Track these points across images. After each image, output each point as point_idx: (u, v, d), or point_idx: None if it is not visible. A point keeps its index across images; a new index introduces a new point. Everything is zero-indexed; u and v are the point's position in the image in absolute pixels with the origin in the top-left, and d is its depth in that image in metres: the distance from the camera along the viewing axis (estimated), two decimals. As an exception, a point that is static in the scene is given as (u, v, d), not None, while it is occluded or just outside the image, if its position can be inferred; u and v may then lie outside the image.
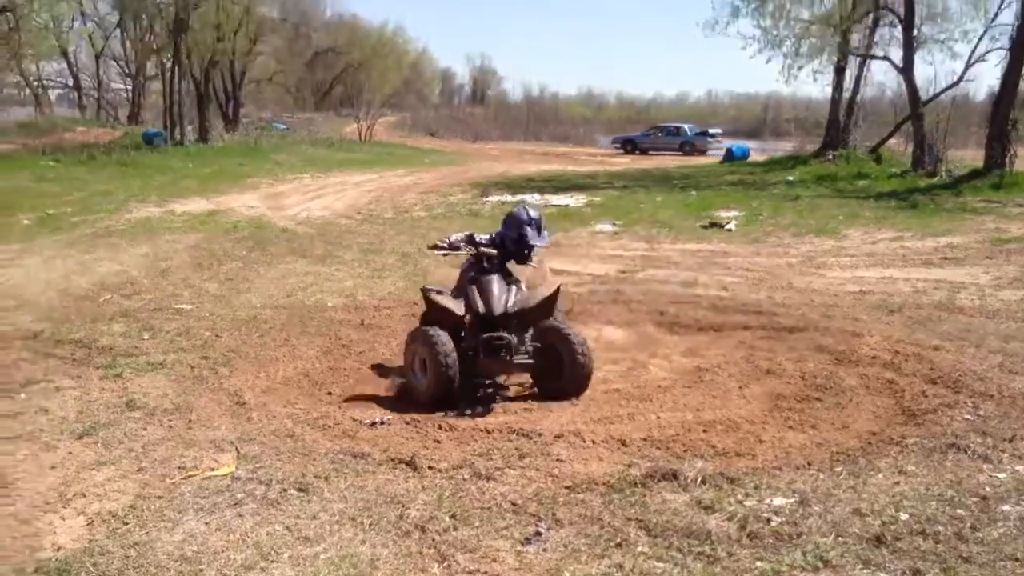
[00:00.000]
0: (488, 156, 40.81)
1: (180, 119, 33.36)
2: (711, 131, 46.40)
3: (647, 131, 48.17)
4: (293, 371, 6.85)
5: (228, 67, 40.85)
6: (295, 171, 27.01)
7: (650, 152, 44.60)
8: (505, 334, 6.21)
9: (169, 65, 34.73)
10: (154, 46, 38.33)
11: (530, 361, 6.31)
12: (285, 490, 4.50)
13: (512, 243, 6.73)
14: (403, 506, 4.30)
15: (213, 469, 4.78)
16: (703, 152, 43.42)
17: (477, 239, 6.80)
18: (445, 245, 6.85)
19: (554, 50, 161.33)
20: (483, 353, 6.21)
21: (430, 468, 4.80)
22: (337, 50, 64.38)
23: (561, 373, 6.23)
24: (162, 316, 8.53)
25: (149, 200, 17.88)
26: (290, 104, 55.23)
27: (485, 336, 6.21)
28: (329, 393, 6.44)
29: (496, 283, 6.49)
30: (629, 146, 46.20)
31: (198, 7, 32.51)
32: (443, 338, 6.04)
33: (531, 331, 6.43)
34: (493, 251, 6.69)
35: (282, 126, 45.11)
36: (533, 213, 6.82)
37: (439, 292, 6.70)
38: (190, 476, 4.70)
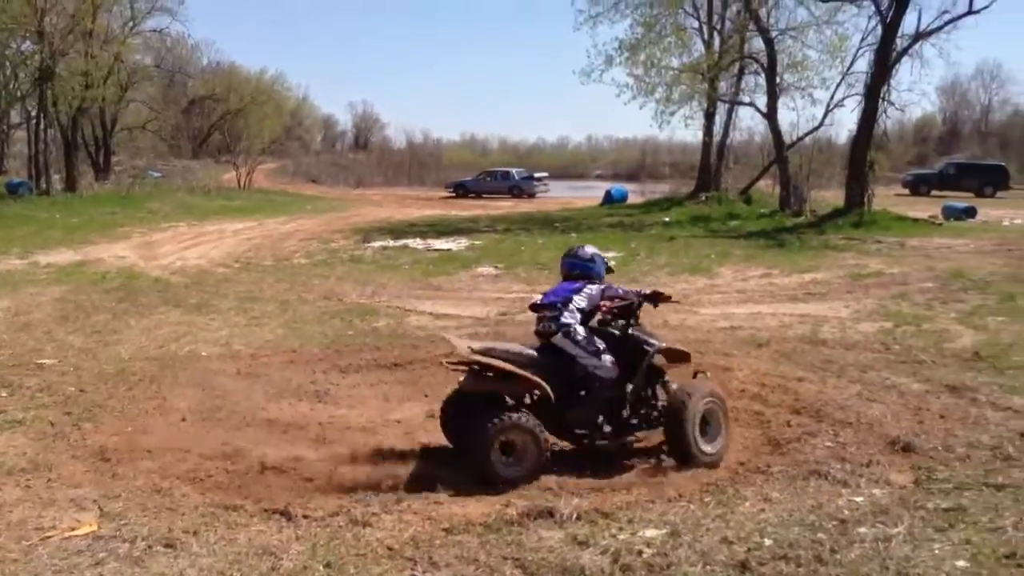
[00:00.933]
0: (371, 202, 40.68)
1: (46, 168, 32.14)
2: (537, 175, 48.59)
3: (478, 176, 49.88)
4: (163, 424, 6.63)
5: (98, 115, 39.64)
6: (170, 219, 26.31)
7: (482, 195, 46.11)
8: None
9: (34, 113, 33.49)
10: (18, 93, 36.89)
11: None
12: (150, 547, 4.34)
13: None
14: (275, 557, 4.21)
15: (73, 529, 4.58)
16: (532, 195, 45.67)
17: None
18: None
19: (437, 96, 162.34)
20: None
21: (305, 517, 4.72)
22: (215, 97, 63.34)
23: None
24: (22, 372, 8.13)
25: (11, 252, 17.08)
26: (165, 152, 53.70)
27: None
28: (201, 445, 6.25)
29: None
30: (461, 190, 47.66)
31: (65, 55, 31.53)
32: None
33: None
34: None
35: (157, 174, 43.96)
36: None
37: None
38: (48, 537, 4.48)
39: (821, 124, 28.89)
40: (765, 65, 27.79)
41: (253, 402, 7.28)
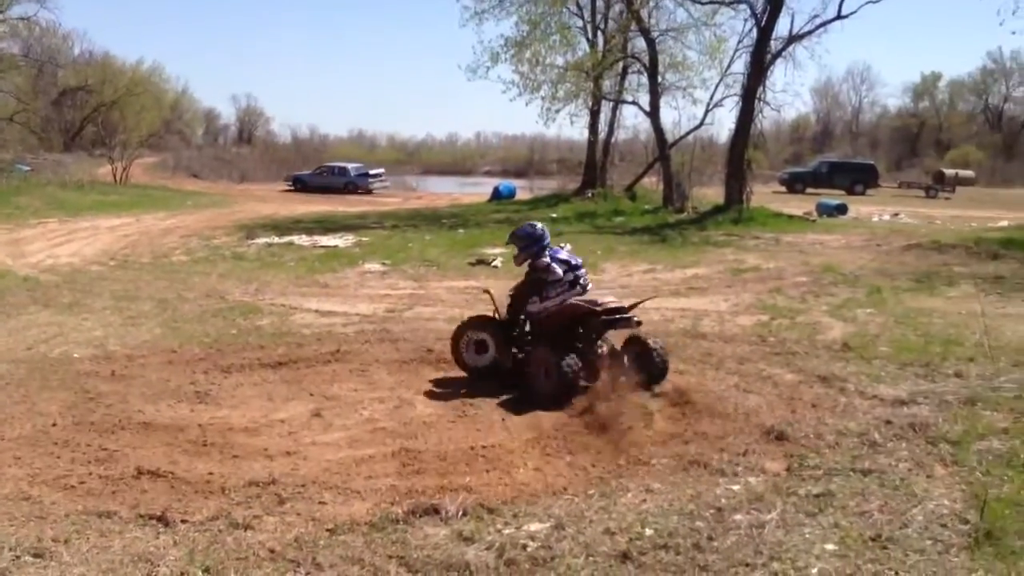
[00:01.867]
0: (255, 197, 39.74)
1: (-97, 160, 30.26)
2: (372, 171, 48.41)
3: (315, 170, 49.12)
4: (31, 428, 6.30)
5: (-39, 105, 37.58)
6: (40, 215, 25.12)
7: (318, 190, 45.15)
8: None
9: None
10: None
11: None
12: (18, 557, 4.15)
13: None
14: (152, 564, 4.09)
15: (-67, 543, 4.34)
16: (368, 191, 45.38)
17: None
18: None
19: (324, 92, 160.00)
20: None
21: (183, 522, 4.60)
22: (87, 89, 60.76)
23: None
24: None
25: None
26: (35, 145, 51.21)
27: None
28: (77, 450, 6.00)
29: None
30: (299, 184, 47.05)
31: (-77, 40, 29.76)
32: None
33: None
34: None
35: (25, 167, 41.79)
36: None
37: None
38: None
39: (702, 123, 29.80)
40: (647, 65, 28.44)
41: (129, 404, 7.01)
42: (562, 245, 7.99)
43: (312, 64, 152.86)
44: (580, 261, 7.89)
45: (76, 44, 65.59)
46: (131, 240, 19.85)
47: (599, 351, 7.41)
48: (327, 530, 4.51)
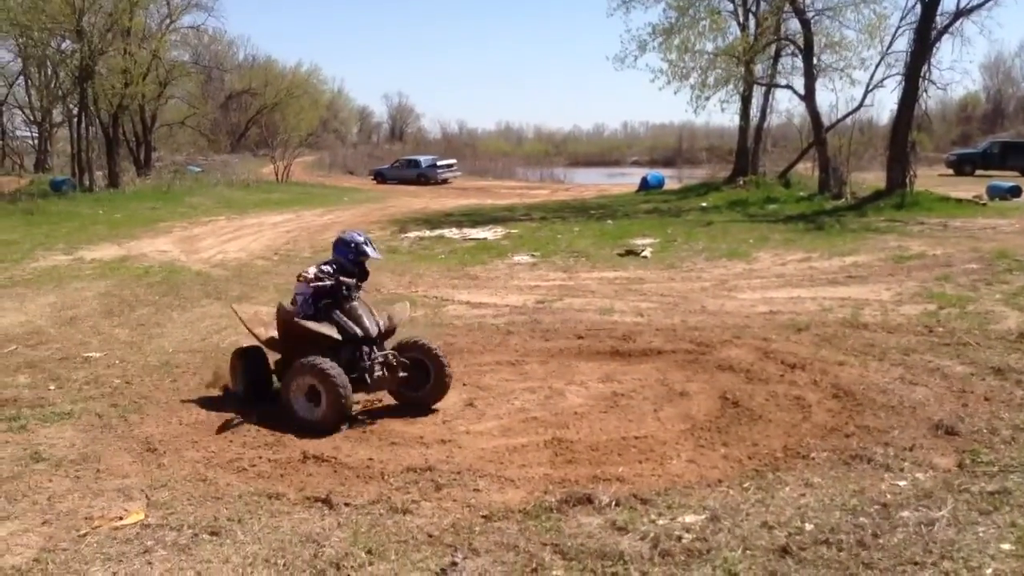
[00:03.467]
0: (407, 192, 40.81)
1: (89, 165, 32.60)
2: (440, 162, 50.80)
3: (392, 164, 52.28)
4: (207, 415, 6.71)
5: (138, 112, 40.12)
6: (210, 214, 26.61)
7: (395, 181, 48.55)
8: (389, 352, 6.76)
9: (76, 111, 34.01)
10: (59, 93, 37.53)
11: (406, 375, 6.81)
12: (196, 535, 4.43)
13: (352, 264, 6.97)
14: (318, 544, 4.27)
15: (121, 518, 4.67)
16: (438, 182, 48.02)
17: (326, 269, 6.88)
18: (311, 279, 6.76)
19: (472, 86, 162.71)
20: (374, 373, 6.61)
21: (346, 505, 4.78)
22: (251, 92, 63.85)
23: (424, 384, 6.85)
24: (69, 365, 8.31)
25: (56, 248, 17.42)
26: (205, 147, 54.22)
27: (378, 357, 6.67)
28: (244, 435, 6.32)
29: (362, 307, 6.89)
30: (379, 177, 50.32)
31: (104, 53, 31.94)
32: (335, 366, 6.27)
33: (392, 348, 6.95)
34: (352, 280, 6.89)
35: (197, 169, 44.39)
36: (360, 235, 7.13)
37: (296, 320, 6.76)
38: (98, 527, 4.58)
39: (860, 105, 28.48)
40: (802, 47, 27.44)
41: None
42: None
43: (460, 60, 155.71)
44: None
45: (240, 50, 69.13)
46: (292, 236, 20.74)
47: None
48: (482, 516, 4.59)
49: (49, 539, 4.45)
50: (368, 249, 6.98)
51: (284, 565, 4.07)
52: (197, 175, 41.54)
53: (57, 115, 42.09)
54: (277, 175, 44.70)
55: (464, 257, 16.06)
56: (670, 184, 38.12)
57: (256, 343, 7.28)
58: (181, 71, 41.66)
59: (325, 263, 6.94)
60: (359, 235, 7.09)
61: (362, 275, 7.07)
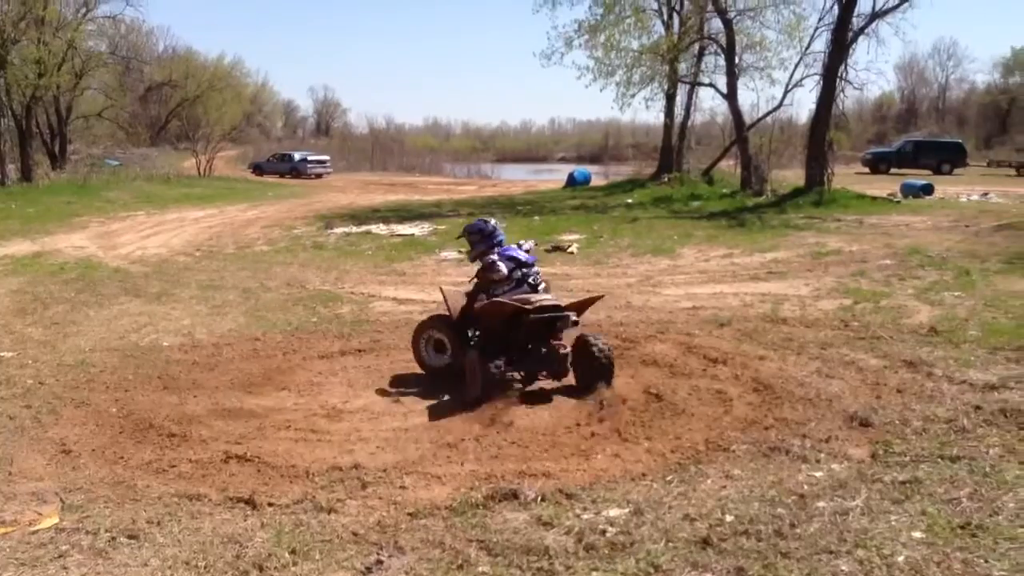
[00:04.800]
0: (333, 188, 40.40)
1: (1, 158, 31.49)
2: (311, 157, 54.00)
3: (269, 158, 55.34)
4: (125, 415, 6.55)
5: (52, 103, 38.84)
6: (129, 208, 25.95)
7: (272, 174, 51.24)
8: None
9: (-13, 102, 32.81)
10: (-31, 82, 36.11)
11: None
12: (114, 538, 4.32)
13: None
14: (240, 545, 4.21)
15: (35, 522, 4.54)
16: (311, 176, 50.89)
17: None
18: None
19: (399, 81, 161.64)
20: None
21: (269, 505, 4.73)
22: (172, 84, 62.46)
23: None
24: (-20, 366, 8.03)
25: (-34, 244, 16.80)
26: (123, 140, 52.77)
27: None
28: (168, 435, 6.20)
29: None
30: (258, 170, 53.20)
31: (17, 42, 30.88)
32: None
33: None
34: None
35: (115, 162, 43.17)
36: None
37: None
38: (9, 531, 4.44)
39: (780, 104, 29.25)
40: (724, 46, 27.96)
41: (216, 391, 7.22)
42: (520, 243, 7.75)
43: (387, 54, 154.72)
44: (534, 259, 7.61)
45: (160, 40, 67.52)
46: (215, 231, 20.36)
47: (559, 350, 6.95)
48: (408, 514, 4.58)
49: (-42, 546, 4.30)
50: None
51: (205, 567, 4.01)
52: (115, 169, 40.42)
53: (-33, 106, 40.51)
54: (199, 169, 43.84)
55: (391, 253, 15.97)
56: (597, 181, 38.47)
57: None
58: (98, 62, 40.43)
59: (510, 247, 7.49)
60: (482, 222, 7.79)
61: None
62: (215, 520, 4.56)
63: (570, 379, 7.04)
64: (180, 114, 62.64)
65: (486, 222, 7.71)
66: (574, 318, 7.00)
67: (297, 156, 53.53)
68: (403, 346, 8.60)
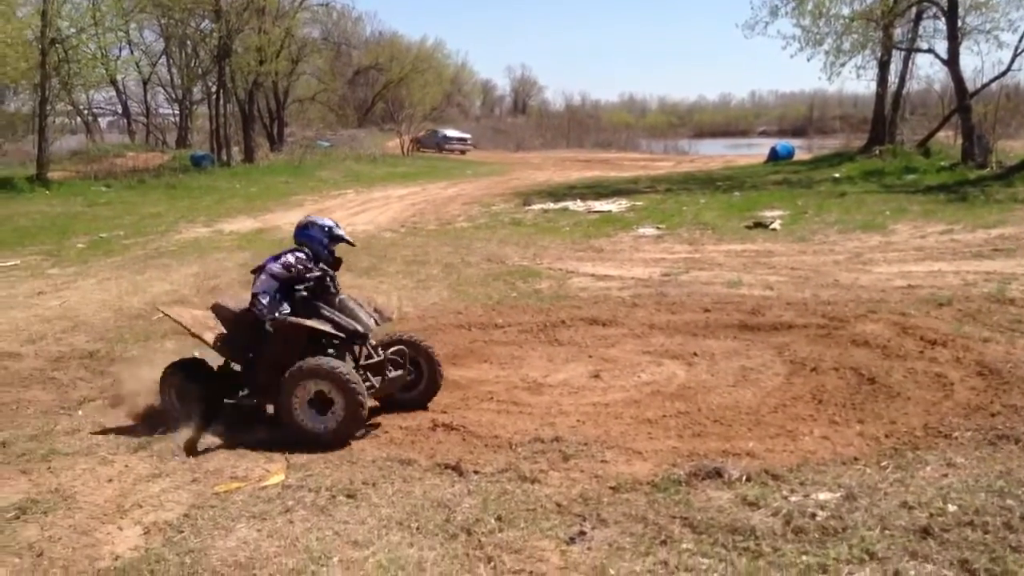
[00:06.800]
0: (530, 165, 40.91)
1: (226, 141, 33.95)
2: (450, 134, 54.22)
3: (426, 134, 54.37)
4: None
5: (271, 88, 41.41)
6: (339, 187, 27.34)
7: (426, 148, 51.57)
8: (394, 349, 6.26)
9: (214, 89, 35.44)
10: (199, 71, 39.13)
11: (412, 375, 6.35)
12: (334, 496, 4.59)
13: (326, 251, 6.21)
14: (449, 509, 4.36)
15: (264, 479, 4.89)
16: (454, 152, 51.67)
17: (300, 257, 6.09)
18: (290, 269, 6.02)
19: (594, 57, 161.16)
20: (386, 373, 6.07)
21: (475, 472, 4.86)
22: (378, 67, 64.96)
23: (417, 384, 6.36)
24: (212, 332, 8.70)
25: (198, 220, 18.24)
26: (333, 122, 55.58)
27: (388, 355, 6.12)
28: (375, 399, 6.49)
29: (350, 301, 6.18)
30: (420, 145, 51.94)
31: (240, 31, 33.09)
32: (346, 366, 5.65)
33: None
34: (332, 271, 6.18)
35: (326, 143, 45.54)
36: (327, 220, 6.38)
37: (289, 320, 5.87)
38: (241, 486, 4.80)
39: (1009, 68, 26.79)
40: (945, 8, 26.00)
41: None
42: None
43: (583, 30, 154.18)
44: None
45: (367, 25, 70.24)
46: (418, 208, 21.10)
47: None
48: (610, 488, 4.59)
49: (198, 496, 4.69)
50: (341, 232, 6.26)
51: (417, 528, 4.17)
52: (326, 150, 42.63)
53: (197, 93, 43.83)
54: (403, 149, 45.47)
55: (588, 229, 16.00)
56: (800, 155, 36.89)
57: (196, 353, 6.57)
58: (312, 48, 42.86)
59: (291, 252, 6.08)
60: (324, 219, 6.33)
61: (336, 263, 6.25)
62: (425, 484, 4.74)
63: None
64: (385, 96, 65.16)
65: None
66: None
67: (439, 133, 54.51)
68: (602, 321, 8.62)
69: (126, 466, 5.20)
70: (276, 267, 6.00)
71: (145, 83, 46.88)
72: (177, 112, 47.26)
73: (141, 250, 14.47)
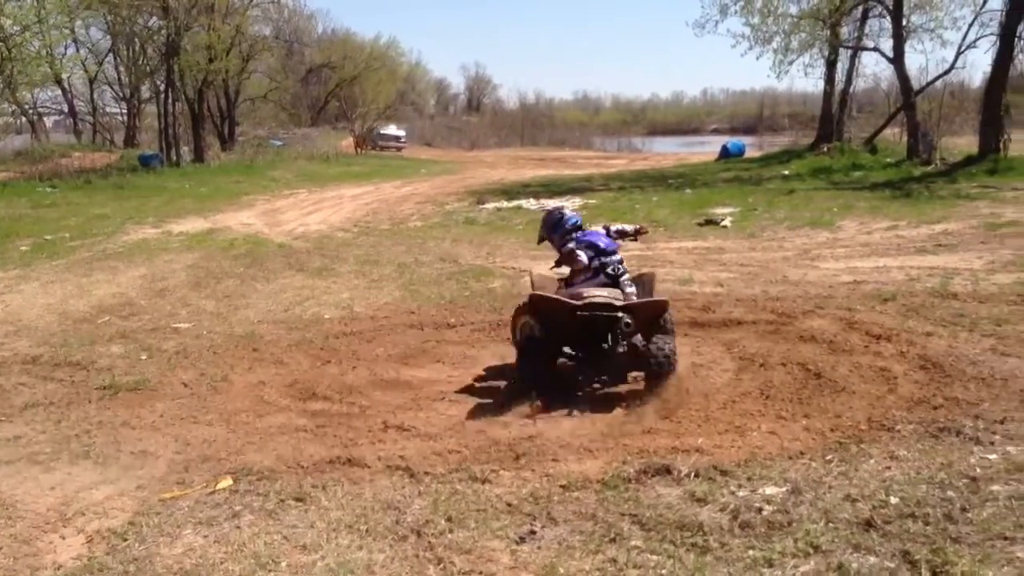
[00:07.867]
0: (484, 164, 40.92)
1: (176, 140, 33.44)
2: (383, 131, 55.08)
3: (369, 132, 55.27)
4: (290, 383, 6.88)
5: (222, 87, 40.82)
6: (291, 186, 27.10)
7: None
8: None
9: (163, 87, 34.84)
10: (147, 69, 38.39)
11: None
12: (283, 500, 4.55)
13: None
14: (399, 511, 4.35)
15: (211, 484, 4.83)
16: (389, 149, 52.32)
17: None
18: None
19: (548, 55, 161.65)
20: None
21: (426, 473, 4.85)
22: (331, 65, 64.46)
23: None
24: (160, 336, 8.59)
25: (146, 222, 17.95)
26: (286, 121, 55.12)
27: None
28: (326, 403, 6.46)
29: None
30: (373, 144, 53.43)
31: (189, 29, 32.61)
32: None
33: None
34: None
35: (278, 142, 45.09)
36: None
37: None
38: (188, 493, 4.74)
39: (952, 67, 27.42)
40: (890, 7, 26.50)
41: (374, 362, 7.47)
42: (608, 225, 7.58)
43: (537, 29, 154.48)
44: (616, 246, 7.08)
45: (320, 23, 69.76)
46: (372, 208, 20.99)
47: (617, 348, 6.22)
48: (560, 486, 4.60)
49: (142, 503, 4.62)
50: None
51: (367, 531, 4.15)
52: (279, 149, 42.21)
53: (145, 91, 43.04)
54: (356, 147, 45.18)
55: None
56: (751, 152, 37.37)
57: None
58: (263, 46, 42.26)
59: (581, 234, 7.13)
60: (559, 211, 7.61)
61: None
62: (375, 486, 4.71)
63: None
64: (338, 94, 64.71)
65: (558, 212, 7.63)
66: (627, 320, 6.14)
67: (376, 131, 55.07)
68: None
69: (68, 473, 5.11)
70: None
71: (92, 82, 45.94)
72: (125, 111, 46.41)
73: (87, 252, 14.20)
